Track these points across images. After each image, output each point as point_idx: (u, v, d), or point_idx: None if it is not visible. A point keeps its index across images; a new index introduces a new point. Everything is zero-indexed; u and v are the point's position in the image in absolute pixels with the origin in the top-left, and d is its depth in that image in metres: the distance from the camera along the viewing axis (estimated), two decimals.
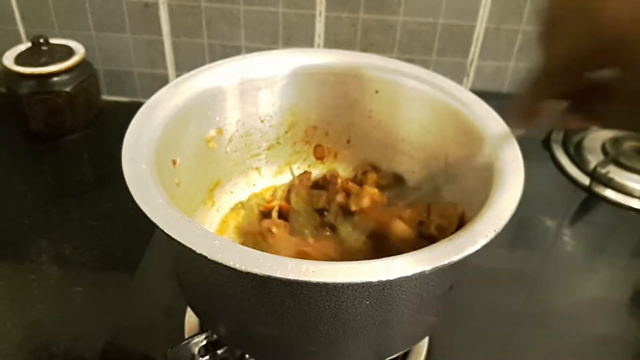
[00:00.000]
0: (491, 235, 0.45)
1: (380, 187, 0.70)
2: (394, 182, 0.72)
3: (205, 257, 0.41)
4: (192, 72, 0.64)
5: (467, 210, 0.58)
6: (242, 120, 0.69)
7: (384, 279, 0.41)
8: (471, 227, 0.46)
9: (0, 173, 0.94)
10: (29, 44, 0.99)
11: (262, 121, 0.71)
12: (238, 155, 0.71)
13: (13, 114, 1.01)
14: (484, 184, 0.54)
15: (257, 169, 0.74)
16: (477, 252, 0.44)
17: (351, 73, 0.69)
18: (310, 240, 0.63)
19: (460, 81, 1.09)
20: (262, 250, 0.44)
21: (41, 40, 0.97)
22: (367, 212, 0.64)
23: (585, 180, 0.95)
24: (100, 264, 0.77)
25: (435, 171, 0.68)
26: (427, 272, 0.42)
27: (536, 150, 1.03)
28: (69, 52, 1.00)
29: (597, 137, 1.04)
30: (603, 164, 0.94)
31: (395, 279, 0.41)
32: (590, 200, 0.93)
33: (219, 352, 0.61)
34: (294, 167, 0.75)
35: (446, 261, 0.43)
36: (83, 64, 1.01)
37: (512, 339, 0.70)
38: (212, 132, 0.67)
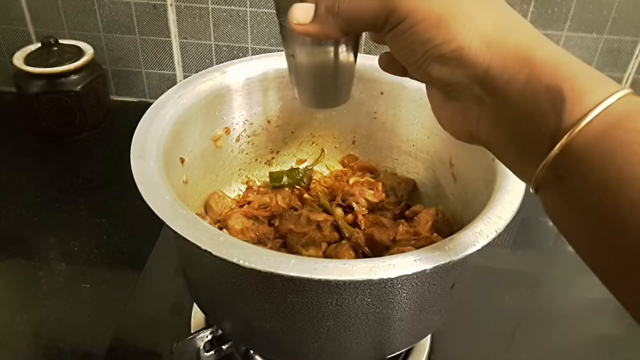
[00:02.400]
0: (492, 235, 0.46)
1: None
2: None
3: (210, 253, 0.42)
4: (200, 73, 0.65)
5: (469, 211, 0.59)
6: (249, 120, 0.70)
7: (385, 276, 0.41)
8: (473, 227, 0.47)
9: (10, 171, 0.95)
10: (38, 45, 1.01)
11: (268, 121, 0.72)
12: (245, 155, 0.72)
13: (23, 114, 1.02)
14: (486, 185, 0.55)
15: (263, 168, 0.75)
16: (478, 252, 0.45)
17: (356, 75, 0.69)
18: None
19: None
20: None
21: (51, 41, 0.99)
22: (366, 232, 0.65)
23: None
24: (108, 261, 0.78)
25: (440, 172, 0.69)
26: (427, 271, 0.42)
27: None
28: (78, 53, 1.01)
29: None
30: None
31: (396, 277, 0.42)
32: None
33: (224, 347, 0.62)
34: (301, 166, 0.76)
35: (447, 260, 0.43)
36: (92, 65, 1.02)
37: (514, 338, 0.71)
38: (220, 132, 0.67)
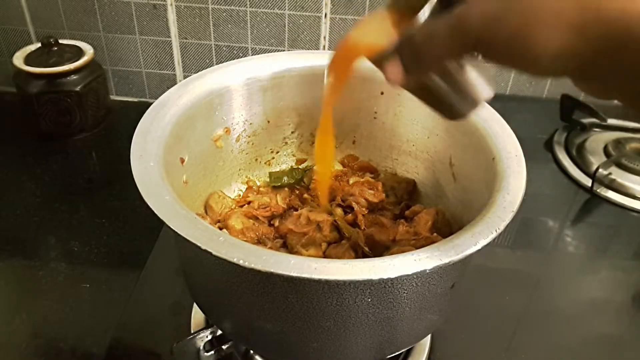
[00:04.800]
0: (492, 235, 0.46)
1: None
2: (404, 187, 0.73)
3: (210, 253, 0.42)
4: (200, 73, 0.65)
5: (469, 211, 0.59)
6: (249, 120, 0.70)
7: (385, 276, 0.41)
8: (473, 227, 0.47)
9: (10, 171, 0.95)
10: (38, 45, 1.01)
11: (268, 121, 0.72)
12: (245, 155, 0.72)
13: (23, 114, 1.02)
14: (486, 185, 0.55)
15: (263, 168, 0.75)
16: (478, 252, 0.45)
17: (356, 75, 0.69)
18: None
19: None
20: None
21: (51, 41, 0.99)
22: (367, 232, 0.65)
23: (587, 181, 0.95)
24: (108, 261, 0.78)
25: (440, 172, 0.69)
26: (428, 271, 0.43)
27: (538, 152, 1.04)
28: (78, 53, 1.01)
29: (599, 139, 1.04)
30: (605, 165, 0.94)
31: (396, 277, 0.42)
32: (592, 202, 0.93)
33: (224, 347, 0.62)
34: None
35: (447, 260, 0.43)
36: (92, 65, 1.02)
37: (514, 338, 0.71)
38: (220, 132, 0.67)
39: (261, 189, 0.73)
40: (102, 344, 0.66)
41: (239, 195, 0.73)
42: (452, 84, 0.46)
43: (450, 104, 0.48)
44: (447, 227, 0.64)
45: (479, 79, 0.46)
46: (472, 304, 0.72)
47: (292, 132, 0.74)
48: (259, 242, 0.64)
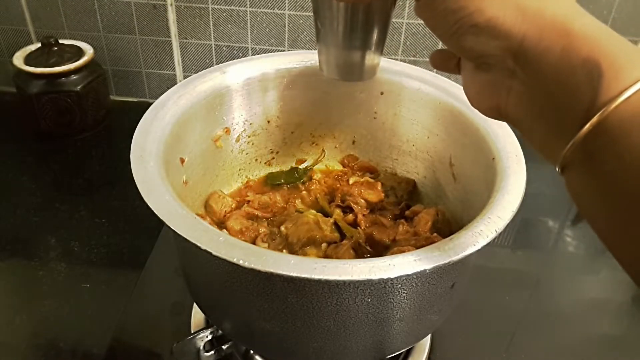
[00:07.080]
0: (492, 235, 0.46)
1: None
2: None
3: (210, 253, 0.42)
4: (200, 73, 0.65)
5: (469, 211, 0.59)
6: (249, 120, 0.70)
7: (385, 277, 0.42)
8: (472, 227, 0.47)
9: (10, 171, 0.95)
10: (38, 45, 1.01)
11: (268, 121, 0.72)
12: (245, 155, 0.72)
13: (23, 114, 1.02)
14: (486, 185, 0.55)
15: (263, 168, 0.75)
16: (478, 252, 0.45)
17: None
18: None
19: None
20: None
21: (51, 41, 0.99)
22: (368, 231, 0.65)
23: None
24: (108, 261, 0.78)
25: (440, 172, 0.69)
26: (427, 271, 0.43)
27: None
28: (78, 53, 1.01)
29: None
30: None
31: (396, 277, 0.42)
32: None
33: (224, 347, 0.62)
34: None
35: (447, 260, 0.43)
36: (92, 65, 1.02)
37: (514, 338, 0.71)
38: (220, 132, 0.67)
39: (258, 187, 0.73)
40: (102, 344, 0.66)
41: (239, 195, 0.72)
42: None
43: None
44: (447, 227, 0.64)
45: None
46: (472, 304, 0.71)
47: (292, 132, 0.74)
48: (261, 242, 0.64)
